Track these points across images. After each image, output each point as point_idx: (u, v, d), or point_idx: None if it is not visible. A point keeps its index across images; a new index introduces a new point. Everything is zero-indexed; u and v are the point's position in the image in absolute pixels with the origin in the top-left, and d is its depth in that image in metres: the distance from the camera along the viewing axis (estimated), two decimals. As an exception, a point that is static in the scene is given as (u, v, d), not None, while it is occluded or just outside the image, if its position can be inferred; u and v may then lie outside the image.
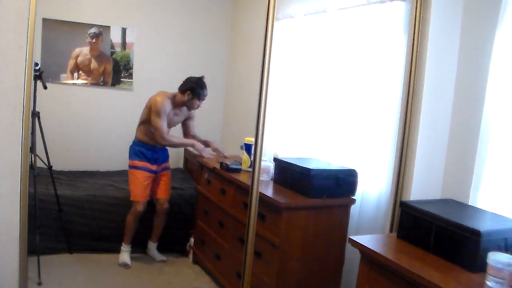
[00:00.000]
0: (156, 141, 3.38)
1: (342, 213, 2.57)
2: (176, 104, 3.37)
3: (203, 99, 3.37)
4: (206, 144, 3.52)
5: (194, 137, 3.61)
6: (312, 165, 2.57)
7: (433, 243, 1.78)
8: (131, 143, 3.49)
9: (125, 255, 3.42)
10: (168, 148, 3.56)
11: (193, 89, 3.29)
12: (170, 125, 3.44)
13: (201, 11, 4.73)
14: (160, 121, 3.26)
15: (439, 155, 2.35)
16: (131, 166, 3.43)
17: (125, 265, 3.37)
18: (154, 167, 3.43)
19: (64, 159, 4.24)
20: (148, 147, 3.41)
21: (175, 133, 3.58)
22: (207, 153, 3.45)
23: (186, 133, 3.64)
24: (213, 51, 4.83)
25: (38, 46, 4.04)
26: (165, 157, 3.57)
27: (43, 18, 4.07)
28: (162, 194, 3.52)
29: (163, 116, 3.27)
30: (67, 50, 4.25)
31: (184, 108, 3.45)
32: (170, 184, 3.62)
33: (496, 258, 1.47)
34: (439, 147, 2.35)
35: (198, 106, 3.39)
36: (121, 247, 3.45)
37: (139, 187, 3.37)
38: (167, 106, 3.30)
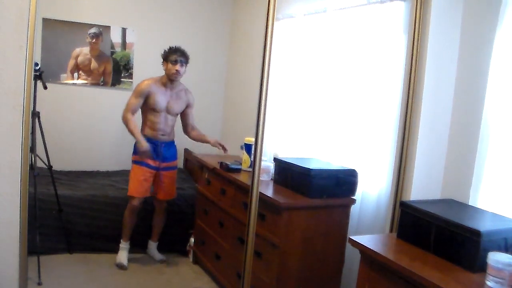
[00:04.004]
0: (156, 134, 3.36)
1: (342, 213, 2.57)
2: (164, 82, 3.34)
3: (177, 63, 3.26)
4: (204, 139, 3.50)
5: (193, 128, 3.57)
6: (312, 165, 2.57)
7: (433, 243, 1.78)
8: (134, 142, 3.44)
9: (123, 254, 3.39)
10: (176, 145, 3.52)
11: (164, 56, 3.31)
12: (169, 110, 3.38)
13: (201, 11, 4.73)
14: (130, 98, 3.30)
15: (439, 155, 2.35)
16: (132, 161, 3.39)
17: (121, 266, 3.33)
18: (155, 163, 3.37)
19: (64, 159, 4.24)
20: (150, 141, 3.34)
21: (178, 130, 3.55)
22: (144, 151, 3.26)
23: (185, 123, 3.57)
24: (213, 51, 4.83)
25: (38, 46, 4.04)
26: (170, 155, 3.47)
27: (43, 18, 4.07)
28: (163, 195, 3.47)
29: (135, 95, 3.29)
30: (67, 50, 4.25)
31: (182, 94, 3.43)
32: (174, 185, 3.54)
33: (496, 258, 1.47)
34: (439, 147, 2.35)
35: (177, 71, 3.26)
36: (120, 245, 3.42)
37: (135, 182, 3.34)
38: (146, 86, 3.29)
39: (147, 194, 3.41)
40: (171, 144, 3.48)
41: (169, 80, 3.33)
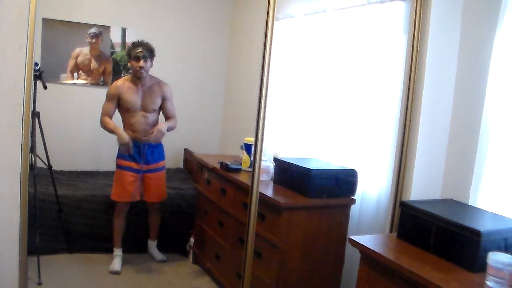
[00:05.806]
0: (137, 135, 3.24)
1: (342, 213, 2.57)
2: (133, 80, 3.22)
3: (139, 59, 3.11)
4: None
5: (171, 118, 3.33)
6: (312, 165, 2.57)
7: (433, 243, 1.78)
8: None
9: (116, 262, 3.29)
10: (163, 147, 3.42)
11: (127, 53, 3.26)
12: (144, 108, 3.22)
13: (201, 11, 4.73)
14: (104, 104, 3.25)
15: (439, 155, 2.35)
16: (116, 165, 3.33)
17: (115, 273, 3.23)
18: (137, 166, 3.26)
19: (64, 159, 4.24)
20: (132, 143, 3.19)
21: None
22: (124, 144, 3.15)
23: (165, 116, 3.37)
24: (213, 51, 4.83)
25: (38, 46, 4.04)
26: (156, 156, 3.33)
27: (43, 18, 4.07)
28: (151, 197, 3.36)
29: (107, 99, 3.24)
30: (67, 50, 4.25)
31: (155, 88, 3.26)
32: (164, 186, 3.43)
33: (496, 258, 1.47)
34: (439, 147, 2.35)
35: (141, 68, 3.11)
36: (113, 253, 3.34)
37: (118, 187, 3.27)
38: (114, 88, 3.23)
39: (133, 199, 3.29)
40: (155, 145, 3.32)
41: (137, 78, 3.20)
